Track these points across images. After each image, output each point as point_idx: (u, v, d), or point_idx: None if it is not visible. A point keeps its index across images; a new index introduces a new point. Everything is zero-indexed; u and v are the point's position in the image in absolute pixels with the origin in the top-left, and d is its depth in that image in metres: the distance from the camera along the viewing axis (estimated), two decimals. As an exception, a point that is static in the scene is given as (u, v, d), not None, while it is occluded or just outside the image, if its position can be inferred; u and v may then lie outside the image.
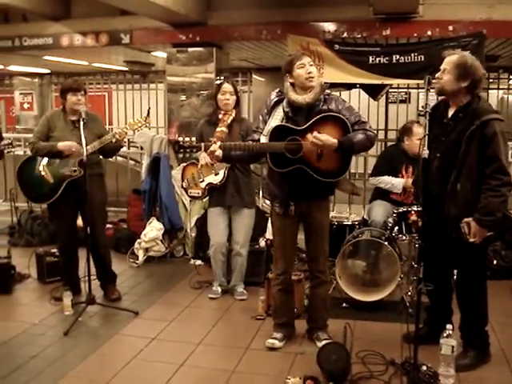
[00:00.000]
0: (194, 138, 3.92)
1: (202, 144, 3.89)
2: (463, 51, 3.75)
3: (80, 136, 4.53)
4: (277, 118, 3.91)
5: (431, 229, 3.73)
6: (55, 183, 4.87)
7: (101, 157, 5.16)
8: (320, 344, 3.98)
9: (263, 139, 3.87)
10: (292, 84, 3.91)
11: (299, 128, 3.82)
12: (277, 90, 4.07)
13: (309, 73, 3.82)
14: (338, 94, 8.87)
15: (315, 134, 3.73)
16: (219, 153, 3.89)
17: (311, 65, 3.86)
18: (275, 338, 4.15)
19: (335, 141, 3.75)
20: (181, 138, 3.90)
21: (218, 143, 3.89)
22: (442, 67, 3.65)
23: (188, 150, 3.94)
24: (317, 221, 4.04)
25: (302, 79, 3.84)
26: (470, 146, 3.49)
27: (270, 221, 6.05)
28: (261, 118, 4.04)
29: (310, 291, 4.34)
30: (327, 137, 3.74)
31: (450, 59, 3.61)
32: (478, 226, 3.48)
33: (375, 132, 4.03)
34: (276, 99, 4.00)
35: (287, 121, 3.88)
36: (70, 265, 5.15)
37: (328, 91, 3.97)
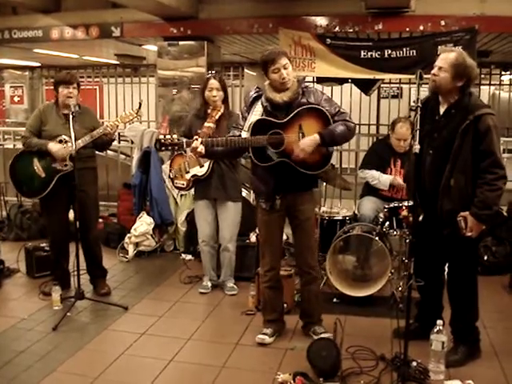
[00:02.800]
0: (175, 136, 3.84)
1: (184, 140, 3.85)
2: (458, 49, 3.73)
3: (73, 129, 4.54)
4: (256, 114, 3.92)
5: (423, 224, 3.73)
6: (46, 177, 4.86)
7: (96, 151, 5.16)
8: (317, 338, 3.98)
9: (244, 135, 3.87)
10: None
11: (280, 121, 3.82)
12: (255, 87, 4.07)
13: (283, 78, 3.80)
14: (329, 88, 8.95)
15: (298, 145, 3.78)
16: (201, 149, 3.86)
17: (286, 67, 3.81)
18: (265, 334, 4.13)
19: (316, 137, 3.78)
20: (161, 136, 3.82)
21: (200, 140, 3.86)
22: (437, 64, 3.62)
23: (170, 148, 3.89)
24: (302, 213, 4.04)
25: (277, 83, 3.83)
26: (464, 141, 3.48)
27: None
28: (240, 114, 4.06)
29: (301, 288, 4.31)
30: (306, 140, 3.78)
31: (447, 57, 3.59)
32: (474, 220, 3.48)
33: (355, 123, 4.02)
34: (255, 95, 4.01)
35: (267, 115, 3.88)
36: (61, 259, 5.13)
37: (306, 84, 3.98)
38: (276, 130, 3.80)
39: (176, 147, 3.88)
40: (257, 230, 6.06)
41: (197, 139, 3.87)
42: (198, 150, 3.86)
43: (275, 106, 3.87)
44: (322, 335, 4.00)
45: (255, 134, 3.79)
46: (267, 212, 4.04)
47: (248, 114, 3.97)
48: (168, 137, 3.80)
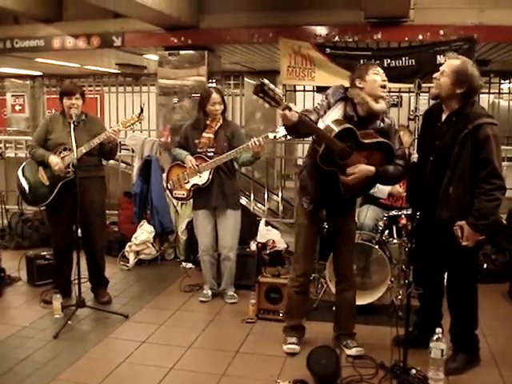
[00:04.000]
0: (280, 91, 3.52)
1: (286, 103, 3.45)
2: (465, 58, 3.70)
3: (77, 138, 4.58)
4: (337, 113, 3.77)
5: (423, 232, 3.74)
6: (50, 185, 4.90)
7: (104, 162, 5.25)
8: (350, 352, 3.98)
9: (320, 123, 3.68)
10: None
11: (361, 140, 3.66)
12: (340, 86, 3.90)
13: (383, 80, 3.72)
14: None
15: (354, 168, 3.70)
16: (296, 117, 3.47)
17: (384, 76, 3.75)
18: (293, 343, 4.10)
19: (372, 170, 3.73)
20: (266, 81, 3.39)
21: (296, 108, 3.52)
22: (441, 68, 3.65)
23: (267, 99, 3.42)
24: (345, 227, 4.05)
25: (376, 85, 3.69)
26: (463, 149, 3.48)
27: (261, 221, 6.07)
28: (325, 103, 3.84)
29: (336, 296, 4.28)
30: (365, 168, 3.72)
31: (451, 63, 3.61)
32: (471, 229, 3.48)
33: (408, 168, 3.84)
34: (342, 96, 3.83)
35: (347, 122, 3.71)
36: (64, 266, 5.13)
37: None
38: (351, 144, 3.66)
39: (274, 102, 3.45)
40: (257, 239, 6.10)
41: (291, 108, 3.50)
42: (291, 117, 3.47)
43: (362, 118, 3.76)
44: (354, 350, 3.98)
45: (336, 137, 3.60)
46: (310, 218, 4.01)
47: (330, 107, 3.80)
48: (273, 87, 3.40)
